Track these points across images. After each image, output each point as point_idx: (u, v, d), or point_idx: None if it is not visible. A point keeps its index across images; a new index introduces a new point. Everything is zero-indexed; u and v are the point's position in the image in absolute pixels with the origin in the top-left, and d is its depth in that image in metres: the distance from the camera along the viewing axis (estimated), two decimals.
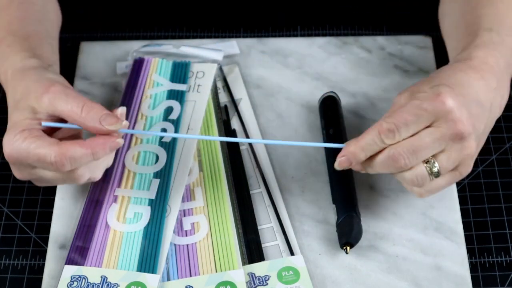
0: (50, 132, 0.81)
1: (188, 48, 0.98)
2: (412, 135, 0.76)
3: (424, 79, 0.80)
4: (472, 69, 0.80)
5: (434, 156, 0.76)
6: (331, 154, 0.89)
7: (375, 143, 0.77)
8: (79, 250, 0.83)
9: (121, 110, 0.81)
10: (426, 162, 0.77)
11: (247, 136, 0.92)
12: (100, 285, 0.80)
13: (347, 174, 0.86)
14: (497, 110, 0.81)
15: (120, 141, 0.79)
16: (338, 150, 0.87)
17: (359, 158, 0.78)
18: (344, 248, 0.82)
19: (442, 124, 0.75)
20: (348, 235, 0.82)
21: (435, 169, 0.77)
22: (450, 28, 0.91)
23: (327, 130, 0.90)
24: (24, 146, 0.78)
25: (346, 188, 0.85)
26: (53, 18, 0.94)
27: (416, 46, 0.99)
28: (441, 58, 0.98)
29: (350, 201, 0.84)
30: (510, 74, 0.83)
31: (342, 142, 0.89)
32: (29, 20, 0.89)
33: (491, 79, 0.80)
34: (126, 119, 0.91)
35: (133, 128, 0.91)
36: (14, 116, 0.80)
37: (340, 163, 0.79)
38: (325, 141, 0.90)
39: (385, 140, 0.76)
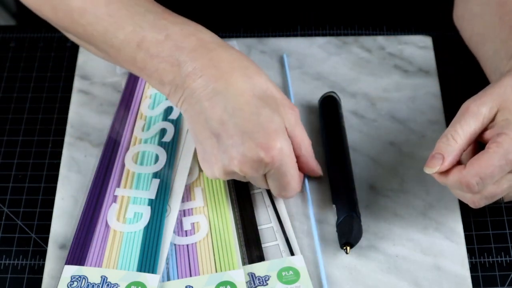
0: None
1: None
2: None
3: (506, 85, 0.78)
4: None
5: None
6: (331, 155, 0.88)
7: (457, 188, 0.78)
8: (79, 250, 0.83)
9: None
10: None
11: None
12: (100, 285, 0.80)
13: (347, 174, 0.86)
14: None
15: None
16: (338, 147, 0.86)
17: (441, 180, 0.79)
18: (344, 248, 0.82)
19: None
20: (348, 235, 0.82)
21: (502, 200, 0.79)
22: (485, 30, 0.89)
23: (327, 131, 0.90)
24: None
25: (346, 188, 0.85)
26: None
27: (416, 46, 0.99)
28: (441, 58, 0.98)
29: (350, 201, 0.84)
30: None
31: (343, 143, 0.88)
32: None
33: None
34: (126, 119, 0.92)
35: (132, 128, 0.91)
36: (275, 119, 0.80)
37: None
38: (324, 142, 0.90)
39: (469, 192, 0.77)
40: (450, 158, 0.77)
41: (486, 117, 0.77)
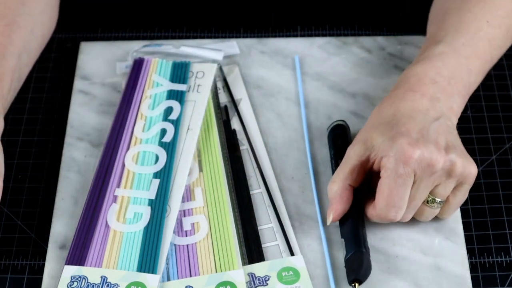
0: None
1: (188, 48, 0.98)
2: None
3: (369, 124, 0.83)
4: (411, 91, 0.83)
5: (430, 192, 0.81)
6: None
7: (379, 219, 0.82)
8: (79, 250, 0.83)
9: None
10: (426, 202, 0.82)
11: (248, 138, 0.92)
12: (100, 285, 0.80)
13: (356, 207, 0.84)
14: (452, 114, 0.83)
15: None
16: None
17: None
18: (353, 284, 0.80)
19: (419, 172, 0.79)
20: (357, 271, 0.80)
21: (436, 202, 0.82)
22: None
23: (336, 160, 0.87)
24: None
25: (355, 222, 0.83)
26: (36, 44, 0.92)
27: (416, 46, 0.99)
28: None
29: (359, 236, 0.82)
30: (462, 80, 0.85)
31: None
32: (7, 51, 0.87)
33: (434, 92, 0.83)
34: (126, 119, 0.92)
35: (132, 128, 0.91)
36: None
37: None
38: (333, 171, 0.86)
39: (394, 221, 0.82)
40: (336, 201, 0.82)
41: (362, 151, 0.81)
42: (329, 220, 0.82)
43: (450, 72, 0.84)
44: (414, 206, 0.81)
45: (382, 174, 0.79)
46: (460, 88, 0.84)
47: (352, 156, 0.82)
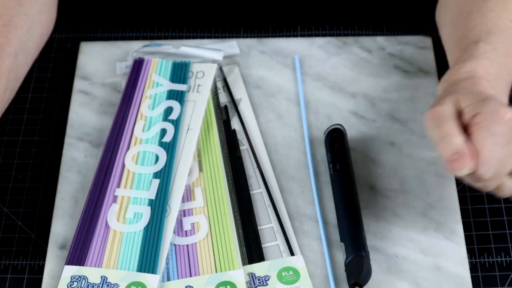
0: None
1: (188, 48, 0.98)
2: None
3: (450, 86, 0.80)
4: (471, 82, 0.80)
5: None
6: (338, 191, 0.86)
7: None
8: (79, 250, 0.83)
9: None
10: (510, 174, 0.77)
11: (248, 138, 0.92)
12: (100, 285, 0.80)
13: (355, 211, 0.84)
14: None
15: None
16: (346, 183, 0.85)
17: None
18: None
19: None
20: (357, 275, 0.79)
21: None
22: (445, 39, 0.91)
23: (334, 165, 0.87)
24: None
25: (354, 226, 0.83)
26: (33, 44, 0.92)
27: (416, 46, 0.99)
28: (441, 58, 0.98)
29: (359, 240, 0.82)
30: (504, 80, 0.83)
31: (350, 179, 0.86)
32: (3, 51, 0.86)
33: (488, 89, 0.80)
34: (126, 119, 0.92)
35: (132, 128, 0.91)
36: None
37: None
38: (331, 176, 0.87)
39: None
40: (466, 152, 0.75)
41: (453, 108, 0.77)
42: (465, 171, 0.74)
43: (495, 71, 0.82)
44: (501, 173, 0.77)
45: (474, 131, 0.75)
46: (504, 87, 0.83)
47: (447, 114, 0.76)
